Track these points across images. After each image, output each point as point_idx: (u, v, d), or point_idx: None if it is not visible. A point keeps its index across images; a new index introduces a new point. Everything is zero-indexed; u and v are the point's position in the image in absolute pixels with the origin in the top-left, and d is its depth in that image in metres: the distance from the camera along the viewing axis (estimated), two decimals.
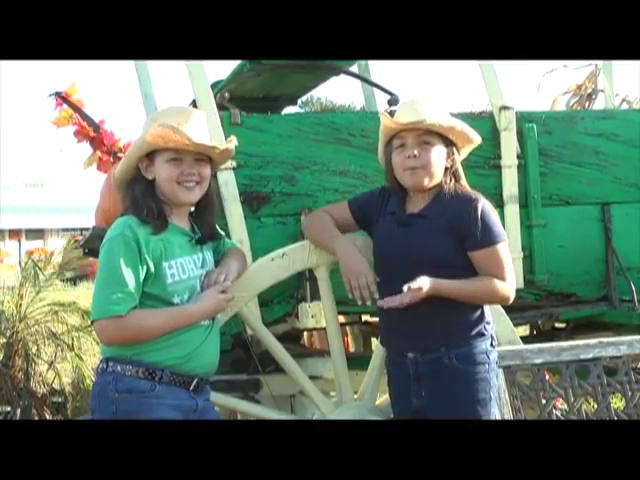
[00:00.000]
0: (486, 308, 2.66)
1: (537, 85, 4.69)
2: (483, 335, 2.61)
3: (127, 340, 2.37)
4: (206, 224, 2.62)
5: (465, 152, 2.77)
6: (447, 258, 2.58)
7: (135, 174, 2.53)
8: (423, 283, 2.50)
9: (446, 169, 2.65)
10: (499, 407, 2.70)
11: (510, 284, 2.60)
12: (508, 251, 2.64)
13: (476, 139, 2.73)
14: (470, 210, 2.57)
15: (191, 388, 2.45)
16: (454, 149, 2.67)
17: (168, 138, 2.44)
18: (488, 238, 2.58)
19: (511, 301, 2.64)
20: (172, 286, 2.44)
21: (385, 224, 2.73)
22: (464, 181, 2.71)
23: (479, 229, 2.56)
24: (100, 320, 2.34)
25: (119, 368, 2.38)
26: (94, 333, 5.98)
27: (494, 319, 2.74)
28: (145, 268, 2.38)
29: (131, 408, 2.35)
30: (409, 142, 2.62)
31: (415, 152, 2.60)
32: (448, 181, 2.65)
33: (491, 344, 2.63)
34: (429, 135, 2.61)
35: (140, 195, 2.48)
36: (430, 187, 2.65)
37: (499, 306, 2.99)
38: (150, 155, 2.49)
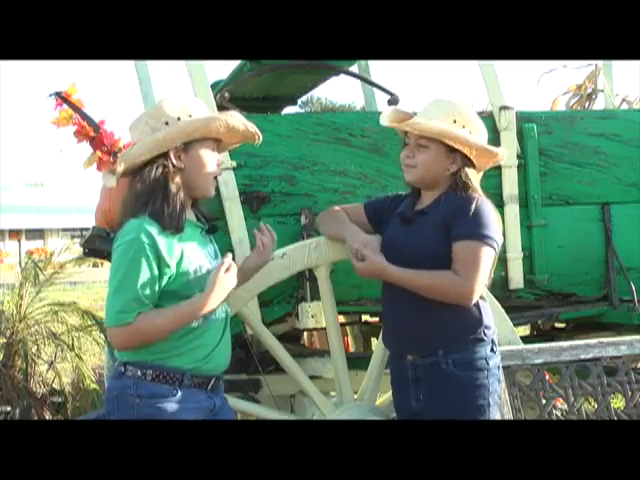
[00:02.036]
0: (486, 313, 2.63)
1: (536, 83, 4.67)
2: (482, 341, 2.58)
3: (139, 344, 2.31)
4: (202, 213, 2.57)
5: (484, 162, 2.71)
6: (440, 253, 2.56)
7: (161, 162, 2.37)
8: (374, 258, 2.56)
9: (452, 174, 2.63)
10: (500, 411, 2.68)
11: (470, 284, 2.51)
12: (489, 256, 2.55)
13: (479, 146, 2.64)
14: (465, 205, 2.56)
15: (209, 388, 2.43)
16: (459, 156, 2.62)
17: (236, 130, 2.43)
18: (470, 232, 2.53)
19: (470, 302, 2.54)
20: (194, 282, 2.38)
21: (392, 224, 2.75)
22: (475, 188, 2.63)
23: (466, 221, 2.53)
24: (111, 328, 2.30)
25: (139, 372, 2.34)
26: (94, 333, 6.01)
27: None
28: (167, 270, 2.31)
29: (152, 413, 2.31)
30: (410, 142, 2.67)
31: (409, 152, 2.66)
32: (453, 185, 2.63)
33: (491, 349, 2.60)
34: (426, 139, 2.62)
35: (175, 190, 2.36)
36: (435, 188, 2.66)
37: (499, 306, 2.99)
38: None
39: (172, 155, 2.39)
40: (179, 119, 2.40)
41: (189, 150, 2.42)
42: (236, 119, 2.48)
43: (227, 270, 2.39)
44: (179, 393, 2.35)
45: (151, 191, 2.36)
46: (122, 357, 2.39)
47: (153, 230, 2.31)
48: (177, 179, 2.39)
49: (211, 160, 2.46)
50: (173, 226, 2.34)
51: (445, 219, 2.58)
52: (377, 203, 2.90)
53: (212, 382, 2.44)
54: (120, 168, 2.40)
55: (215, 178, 2.50)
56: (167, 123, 2.40)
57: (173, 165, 2.39)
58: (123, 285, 2.28)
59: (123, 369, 2.37)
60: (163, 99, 2.47)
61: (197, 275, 2.39)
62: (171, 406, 2.34)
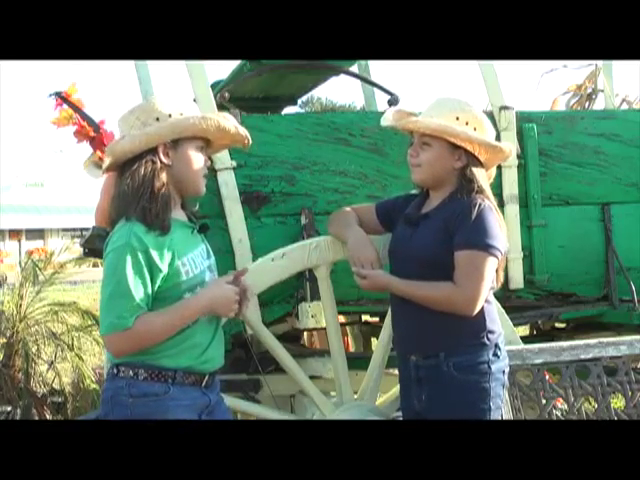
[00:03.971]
0: (490, 317, 2.60)
1: (537, 83, 4.69)
2: (484, 345, 2.56)
3: (138, 348, 2.31)
4: (192, 212, 2.55)
5: (491, 159, 2.67)
6: (440, 258, 2.54)
7: (150, 157, 2.36)
8: (374, 274, 2.61)
9: (458, 172, 2.60)
10: (502, 416, 2.66)
11: (471, 295, 2.49)
12: (491, 265, 2.51)
13: (480, 141, 2.59)
14: (467, 211, 2.52)
15: (203, 385, 2.42)
16: (463, 153, 2.59)
17: (226, 131, 2.44)
18: (471, 241, 2.50)
19: (472, 313, 2.51)
20: (186, 283, 2.37)
21: (399, 225, 2.74)
22: (482, 187, 2.59)
23: (467, 228, 2.50)
24: (108, 335, 2.29)
25: (131, 372, 2.33)
26: (94, 333, 6.01)
27: None
28: (159, 273, 2.31)
29: (146, 411, 2.31)
30: (415, 141, 2.66)
31: (413, 151, 2.64)
32: (457, 183, 2.60)
33: (494, 354, 2.57)
34: (429, 137, 2.60)
35: (161, 187, 2.34)
36: (442, 188, 2.63)
37: (499, 306, 2.99)
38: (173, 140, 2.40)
39: (160, 151, 2.38)
40: (170, 116, 2.40)
41: (178, 148, 2.41)
42: (228, 121, 2.48)
43: (239, 293, 2.42)
44: (172, 391, 2.34)
45: (139, 187, 2.34)
46: (114, 359, 2.39)
47: (143, 234, 2.30)
48: (163, 176, 2.37)
49: (199, 158, 2.45)
50: (158, 225, 2.33)
51: (446, 223, 2.55)
52: (388, 204, 2.88)
53: (206, 379, 2.43)
54: (107, 160, 2.40)
55: (204, 176, 2.49)
56: (158, 119, 2.39)
57: (161, 162, 2.38)
58: (117, 291, 2.27)
59: (116, 370, 2.37)
60: (155, 95, 2.48)
61: (189, 276, 2.39)
62: (165, 404, 2.33)
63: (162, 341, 2.32)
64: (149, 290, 2.30)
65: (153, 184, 2.35)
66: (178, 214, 2.46)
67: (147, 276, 2.29)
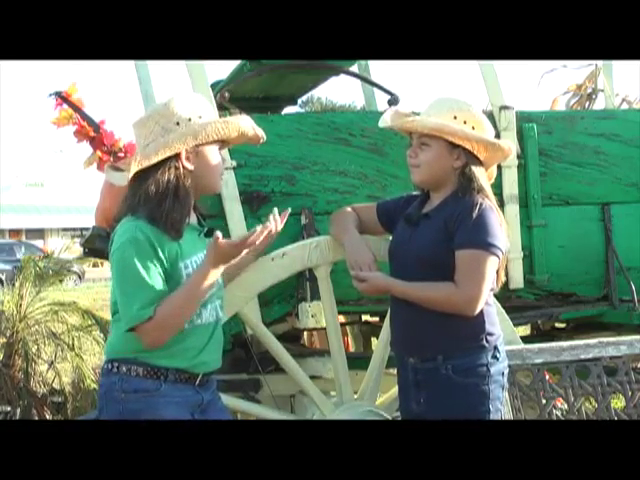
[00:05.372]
0: (490, 319, 2.58)
1: (537, 82, 4.70)
2: (483, 347, 2.54)
3: (167, 334, 2.31)
4: (202, 213, 2.55)
5: (490, 157, 2.65)
6: (440, 258, 2.53)
7: (173, 163, 2.36)
8: (373, 277, 2.59)
9: (458, 171, 2.59)
10: (502, 417, 2.66)
11: (472, 295, 2.47)
12: (492, 265, 2.50)
13: (478, 138, 2.58)
14: (467, 210, 2.51)
15: (197, 383, 2.42)
16: (462, 151, 2.57)
17: (245, 134, 2.47)
18: (472, 240, 2.48)
19: (472, 313, 2.50)
20: None
21: (399, 226, 2.73)
22: (482, 186, 2.58)
23: (468, 228, 2.49)
24: (135, 328, 2.29)
25: (124, 369, 2.35)
26: (94, 333, 6.01)
27: None
28: (163, 268, 2.32)
29: (137, 407, 2.33)
30: (413, 141, 2.65)
31: (412, 152, 2.63)
32: (457, 183, 2.59)
33: (493, 356, 2.56)
34: (428, 136, 2.59)
35: (186, 193, 2.36)
36: (442, 188, 2.62)
37: (499, 306, 2.99)
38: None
39: (183, 157, 2.38)
40: (190, 120, 2.39)
41: (199, 152, 2.41)
42: (247, 123, 2.51)
43: (222, 244, 2.34)
44: (163, 388, 2.35)
45: (162, 193, 2.34)
46: (109, 355, 2.41)
47: (146, 229, 2.31)
48: (188, 182, 2.38)
49: (218, 159, 2.47)
50: (175, 230, 2.34)
51: (446, 223, 2.54)
52: (389, 204, 2.87)
53: (200, 378, 2.43)
54: (136, 167, 2.37)
55: (222, 176, 2.53)
56: (178, 123, 2.38)
57: (184, 167, 2.38)
58: (134, 285, 2.28)
59: (110, 366, 2.39)
60: (172, 98, 2.43)
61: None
62: (155, 401, 2.34)
63: (188, 317, 2.34)
64: (162, 276, 2.32)
65: (177, 191, 2.36)
66: (192, 217, 2.47)
67: (157, 264, 2.31)
